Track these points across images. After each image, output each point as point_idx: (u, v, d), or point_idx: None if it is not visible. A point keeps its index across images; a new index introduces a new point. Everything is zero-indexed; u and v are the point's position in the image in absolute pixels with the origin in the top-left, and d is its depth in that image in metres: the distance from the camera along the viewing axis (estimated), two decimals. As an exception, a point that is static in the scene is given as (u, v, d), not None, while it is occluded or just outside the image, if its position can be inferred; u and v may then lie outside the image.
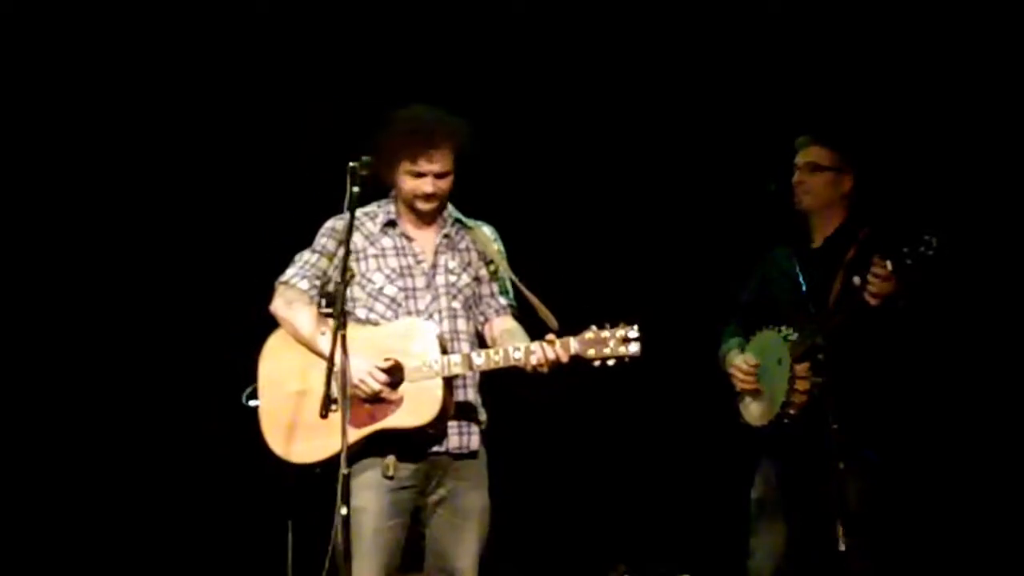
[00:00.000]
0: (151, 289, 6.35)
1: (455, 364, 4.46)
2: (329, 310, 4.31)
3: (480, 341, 4.67)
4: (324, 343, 4.35)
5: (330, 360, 4.17)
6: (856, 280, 4.70)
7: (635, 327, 4.45)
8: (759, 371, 5.00)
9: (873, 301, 4.65)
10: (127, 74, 6.24)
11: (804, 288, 4.97)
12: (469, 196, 6.12)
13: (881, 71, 5.85)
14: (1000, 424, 5.78)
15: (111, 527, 6.28)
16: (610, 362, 4.45)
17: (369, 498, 4.42)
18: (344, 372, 4.18)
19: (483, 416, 4.66)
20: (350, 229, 4.37)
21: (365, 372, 4.40)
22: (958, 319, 5.59)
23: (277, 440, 4.53)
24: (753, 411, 5.04)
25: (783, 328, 4.94)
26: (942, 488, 5.72)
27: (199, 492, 6.31)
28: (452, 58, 6.19)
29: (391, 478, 4.46)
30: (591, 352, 4.43)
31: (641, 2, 6.14)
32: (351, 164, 4.37)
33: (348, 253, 4.36)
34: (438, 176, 4.56)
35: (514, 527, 6.21)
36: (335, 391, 4.19)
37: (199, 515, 6.31)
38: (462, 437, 4.57)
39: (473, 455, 4.60)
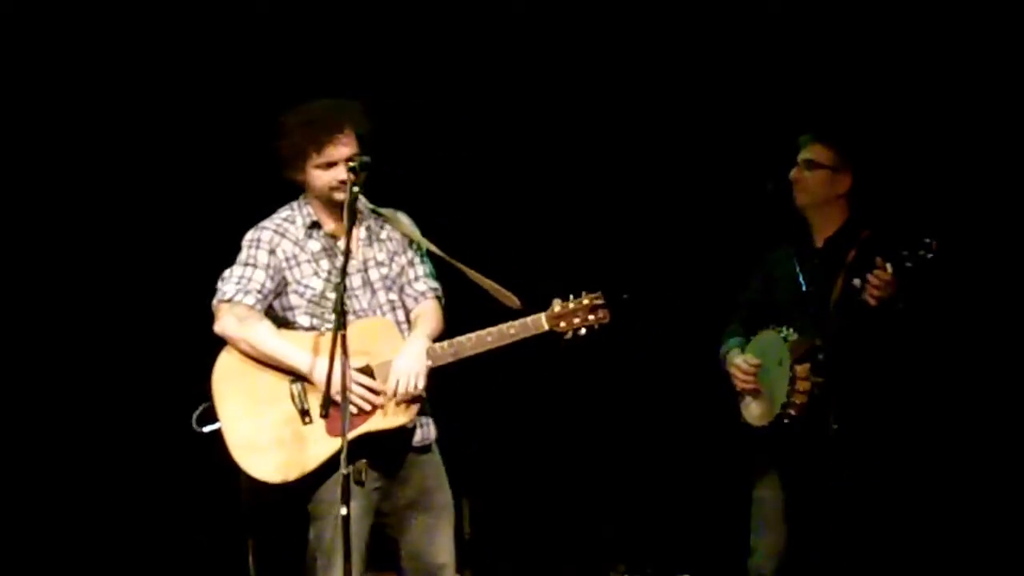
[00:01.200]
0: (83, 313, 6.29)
1: (437, 354, 4.42)
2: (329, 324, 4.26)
3: None
4: (324, 344, 4.30)
5: (331, 361, 4.14)
6: (856, 282, 4.70)
7: (600, 294, 4.47)
8: (760, 371, 5.00)
9: (872, 302, 4.66)
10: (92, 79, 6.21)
11: (804, 288, 4.98)
12: (478, 191, 6.18)
13: (883, 72, 5.85)
14: (999, 425, 5.77)
15: (66, 548, 6.22)
16: (582, 331, 4.45)
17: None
18: (343, 374, 4.15)
19: (430, 407, 4.57)
20: (351, 227, 4.33)
21: (349, 380, 4.28)
22: (957, 321, 5.58)
23: (260, 463, 4.36)
24: (753, 411, 5.04)
25: (783, 329, 4.94)
26: (942, 488, 5.71)
27: (156, 515, 6.25)
28: (449, 53, 6.19)
29: (362, 483, 4.32)
30: (562, 324, 4.44)
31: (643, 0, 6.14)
32: (351, 164, 4.37)
33: (348, 252, 4.32)
34: (348, 162, 4.44)
35: (514, 527, 6.24)
36: (334, 392, 4.17)
37: (157, 539, 6.25)
38: (422, 429, 4.52)
39: (430, 448, 4.54)
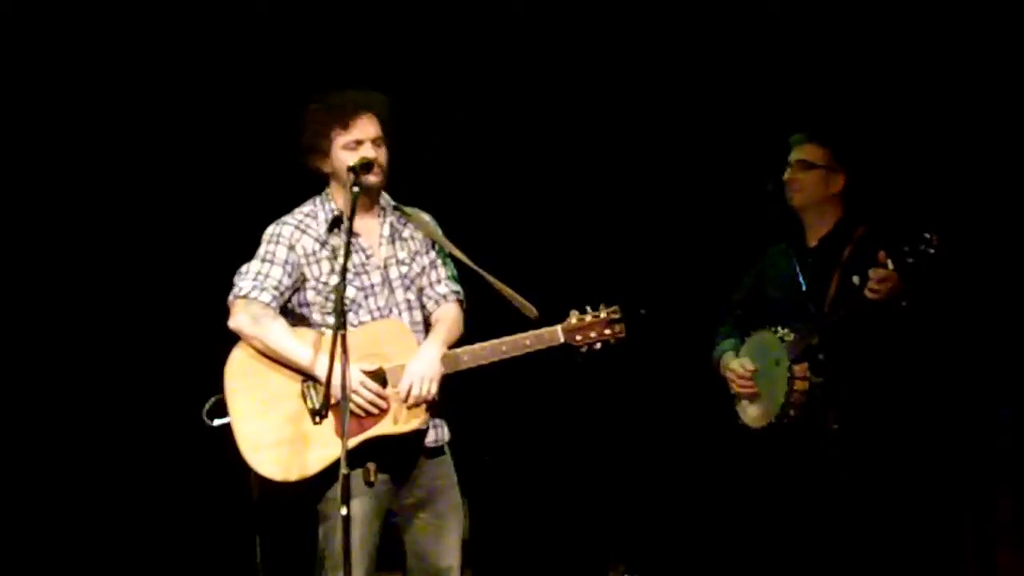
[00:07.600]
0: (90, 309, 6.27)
1: (451, 362, 4.40)
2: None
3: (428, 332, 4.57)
4: (325, 345, 4.27)
5: (330, 362, 4.11)
6: (856, 279, 4.70)
7: (617, 308, 4.47)
8: (757, 374, 5.00)
9: (874, 297, 4.65)
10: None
11: (804, 288, 4.98)
12: (478, 194, 6.18)
13: (876, 70, 5.85)
14: (999, 424, 5.77)
15: (71, 547, 6.19)
16: (597, 346, 4.46)
17: (355, 506, 4.25)
18: (344, 374, 4.12)
19: (445, 408, 4.55)
20: (350, 227, 4.32)
21: (357, 382, 4.31)
22: (959, 318, 5.57)
23: (268, 461, 4.33)
24: (752, 413, 5.04)
25: (779, 329, 4.94)
26: (944, 487, 5.71)
27: (165, 511, 6.22)
28: (447, 52, 6.20)
29: (372, 484, 4.36)
30: (578, 338, 4.45)
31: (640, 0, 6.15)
32: (351, 164, 4.36)
33: (348, 253, 4.30)
34: (375, 143, 4.44)
35: (514, 527, 6.25)
36: (334, 394, 4.15)
37: (166, 535, 6.22)
38: (435, 431, 4.50)
39: (442, 451, 4.52)
